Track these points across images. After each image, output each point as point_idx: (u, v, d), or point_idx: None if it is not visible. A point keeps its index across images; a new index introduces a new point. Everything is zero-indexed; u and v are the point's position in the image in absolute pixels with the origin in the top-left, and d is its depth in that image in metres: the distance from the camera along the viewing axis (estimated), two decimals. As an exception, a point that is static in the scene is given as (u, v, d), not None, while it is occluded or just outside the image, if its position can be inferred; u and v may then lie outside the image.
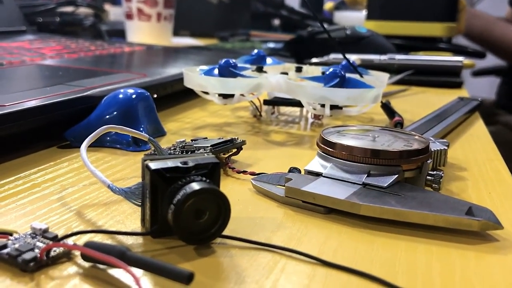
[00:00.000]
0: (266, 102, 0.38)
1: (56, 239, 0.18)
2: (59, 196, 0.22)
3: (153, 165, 0.18)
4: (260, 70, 0.40)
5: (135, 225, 0.20)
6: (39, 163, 0.26)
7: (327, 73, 0.34)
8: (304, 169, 0.24)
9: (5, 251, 0.17)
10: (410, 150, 0.24)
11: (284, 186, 0.23)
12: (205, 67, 0.37)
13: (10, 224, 0.20)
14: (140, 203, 0.20)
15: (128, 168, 0.26)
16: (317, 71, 0.43)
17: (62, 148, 0.29)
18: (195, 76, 0.35)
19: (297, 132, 0.35)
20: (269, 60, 0.43)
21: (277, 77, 0.36)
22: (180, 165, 0.18)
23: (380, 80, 0.40)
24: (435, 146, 0.28)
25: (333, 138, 0.24)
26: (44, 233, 0.18)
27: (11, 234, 0.18)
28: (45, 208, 0.21)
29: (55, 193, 0.23)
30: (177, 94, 0.41)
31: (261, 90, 0.35)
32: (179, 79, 0.42)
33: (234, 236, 0.19)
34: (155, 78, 0.40)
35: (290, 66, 0.42)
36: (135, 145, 0.30)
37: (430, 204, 0.21)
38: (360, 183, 0.22)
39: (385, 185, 0.22)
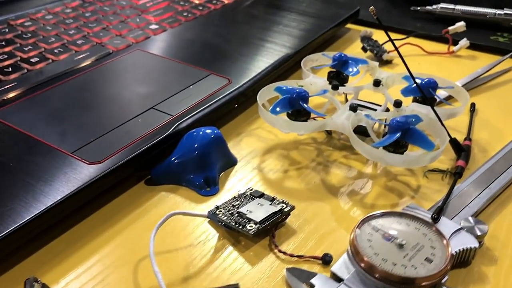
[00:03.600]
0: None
1: None
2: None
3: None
4: (336, 88, 0.41)
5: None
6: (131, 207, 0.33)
7: (390, 123, 0.35)
8: (330, 271, 0.28)
9: None
10: (433, 275, 0.26)
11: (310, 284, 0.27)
12: (281, 87, 0.39)
13: None
14: None
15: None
16: (398, 79, 0.43)
17: (149, 184, 0.36)
18: (265, 113, 0.37)
19: (358, 165, 0.38)
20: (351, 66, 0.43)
21: (343, 119, 0.37)
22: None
23: (460, 96, 0.40)
24: (464, 239, 0.29)
25: (362, 244, 0.28)
26: None
27: None
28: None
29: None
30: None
31: (327, 128, 0.38)
32: (265, 79, 0.45)
33: None
34: (241, 84, 0.43)
35: (373, 68, 0.43)
36: (206, 185, 0.35)
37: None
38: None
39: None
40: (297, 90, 0.38)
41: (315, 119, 0.40)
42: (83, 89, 0.41)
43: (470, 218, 0.31)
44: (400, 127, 0.34)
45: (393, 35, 0.61)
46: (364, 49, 0.54)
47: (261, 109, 0.38)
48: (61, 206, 0.30)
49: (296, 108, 0.38)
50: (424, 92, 0.40)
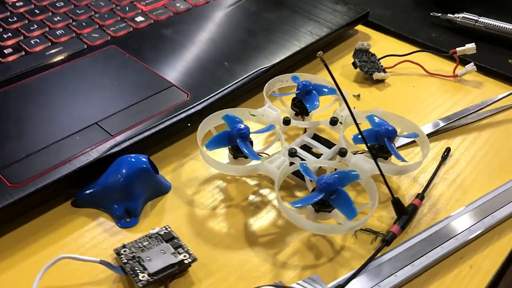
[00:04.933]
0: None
1: None
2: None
3: None
4: (287, 123, 0.39)
5: None
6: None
7: (318, 181, 0.33)
8: None
9: None
10: None
11: None
12: (230, 116, 0.38)
13: None
14: None
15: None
16: (361, 117, 0.40)
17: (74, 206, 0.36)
18: (200, 146, 0.36)
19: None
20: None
21: (273, 166, 0.35)
22: None
23: (423, 147, 0.36)
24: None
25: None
26: None
27: None
28: None
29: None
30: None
31: (258, 172, 0.36)
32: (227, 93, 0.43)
33: None
34: (200, 101, 0.41)
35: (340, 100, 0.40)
36: (126, 216, 0.35)
37: None
38: None
39: None
40: (237, 127, 0.36)
41: (261, 155, 0.39)
42: (38, 92, 0.42)
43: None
44: (325, 188, 0.32)
45: (400, 45, 0.56)
46: (354, 64, 0.50)
47: (199, 142, 0.37)
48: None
49: (236, 144, 0.36)
50: (379, 141, 0.37)
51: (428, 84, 0.50)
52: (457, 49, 0.51)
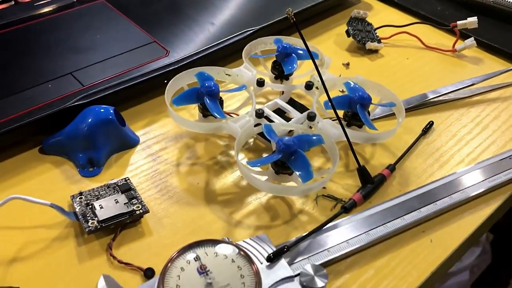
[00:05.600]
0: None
1: None
2: None
3: None
4: (260, 85, 0.38)
5: None
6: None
7: (278, 142, 0.32)
8: (136, 289, 0.28)
9: None
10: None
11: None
12: (203, 73, 0.37)
13: None
14: None
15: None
16: (339, 83, 0.39)
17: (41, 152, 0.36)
18: (169, 107, 0.36)
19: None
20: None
21: (237, 125, 0.34)
22: None
23: (399, 117, 0.35)
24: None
25: (172, 272, 0.27)
26: None
27: None
28: None
29: None
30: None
31: (223, 132, 0.35)
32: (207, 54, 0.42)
33: None
34: (179, 58, 0.41)
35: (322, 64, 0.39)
36: (89, 165, 0.35)
37: None
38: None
39: None
40: (205, 84, 0.35)
41: (231, 115, 0.38)
42: (21, 41, 0.42)
43: (310, 267, 0.28)
44: (284, 149, 0.31)
45: (402, 17, 0.54)
46: (347, 33, 0.49)
47: (166, 99, 0.36)
48: None
49: (203, 102, 0.36)
50: (353, 108, 0.36)
51: (424, 57, 0.49)
52: (458, 22, 0.49)
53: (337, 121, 0.35)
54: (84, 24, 0.45)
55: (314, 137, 0.33)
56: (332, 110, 0.35)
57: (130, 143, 0.37)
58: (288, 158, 0.32)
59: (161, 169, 0.36)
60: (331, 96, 0.34)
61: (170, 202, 0.33)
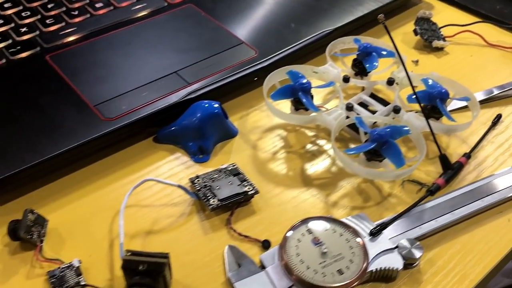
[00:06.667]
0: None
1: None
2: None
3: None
4: (346, 81, 0.43)
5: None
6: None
7: (371, 132, 0.36)
8: (259, 258, 0.32)
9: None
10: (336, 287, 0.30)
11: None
12: (294, 71, 0.42)
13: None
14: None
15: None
16: (416, 80, 0.42)
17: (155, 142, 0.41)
18: (266, 97, 0.40)
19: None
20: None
21: (331, 118, 0.39)
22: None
23: (474, 111, 0.39)
24: (391, 258, 0.32)
25: (291, 243, 0.31)
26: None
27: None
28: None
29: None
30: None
31: (317, 123, 0.40)
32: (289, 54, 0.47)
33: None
34: (265, 58, 0.45)
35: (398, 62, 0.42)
36: (199, 153, 0.40)
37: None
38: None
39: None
40: (300, 81, 0.40)
41: (321, 109, 0.42)
42: (124, 43, 0.47)
43: (406, 241, 0.33)
44: (377, 139, 0.36)
45: (463, 15, 0.58)
46: (415, 32, 0.52)
47: (264, 94, 0.41)
48: (67, 154, 0.37)
49: (297, 97, 0.40)
50: (432, 102, 0.40)
51: (487, 54, 0.52)
52: (519, 21, 0.52)
53: (419, 113, 0.40)
54: (178, 26, 0.49)
55: (404, 128, 0.37)
56: (413, 104, 0.39)
57: (231, 133, 0.42)
58: (381, 147, 0.36)
59: (261, 156, 0.40)
60: (407, 92, 0.38)
61: (273, 185, 0.38)
